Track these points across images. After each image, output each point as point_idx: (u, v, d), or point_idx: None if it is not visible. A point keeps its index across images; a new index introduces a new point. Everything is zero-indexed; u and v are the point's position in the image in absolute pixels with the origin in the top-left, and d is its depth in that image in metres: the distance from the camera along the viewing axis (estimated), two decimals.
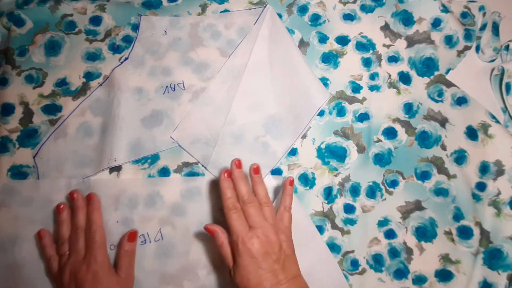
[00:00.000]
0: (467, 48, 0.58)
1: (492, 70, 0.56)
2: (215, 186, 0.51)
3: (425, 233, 0.51)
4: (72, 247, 0.46)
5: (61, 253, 0.46)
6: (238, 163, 0.44)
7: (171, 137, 0.52)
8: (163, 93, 0.53)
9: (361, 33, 0.58)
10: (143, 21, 0.57)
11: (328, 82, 0.56)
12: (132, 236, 0.48)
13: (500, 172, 0.52)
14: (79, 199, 0.48)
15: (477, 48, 0.57)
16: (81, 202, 0.48)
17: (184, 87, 0.54)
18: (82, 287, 0.43)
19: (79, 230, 0.47)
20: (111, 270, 0.45)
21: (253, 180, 0.45)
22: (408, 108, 0.55)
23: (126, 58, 0.55)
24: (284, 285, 0.40)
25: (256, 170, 0.45)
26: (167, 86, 0.53)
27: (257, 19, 0.57)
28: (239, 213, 0.42)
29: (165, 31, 0.56)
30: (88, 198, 0.49)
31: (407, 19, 0.58)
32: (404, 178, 0.53)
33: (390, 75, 0.56)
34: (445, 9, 0.58)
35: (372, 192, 0.52)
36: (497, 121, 0.54)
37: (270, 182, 0.51)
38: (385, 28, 0.58)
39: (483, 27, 0.58)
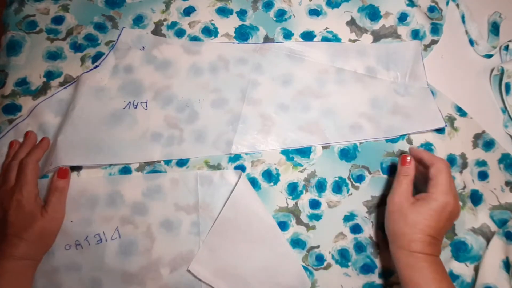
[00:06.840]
0: (434, 42, 0.58)
1: (492, 70, 0.56)
2: (176, 183, 0.50)
3: None
4: (4, 176, 0.47)
5: None
6: None
7: None
8: (123, 108, 0.52)
9: (327, 28, 0.58)
10: (124, 33, 0.56)
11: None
12: (62, 173, 0.47)
13: (464, 165, 0.52)
14: (31, 138, 0.50)
15: (471, 42, 0.58)
16: (30, 140, 0.50)
17: (146, 107, 0.53)
18: (6, 214, 0.44)
19: (15, 162, 0.47)
20: (37, 202, 0.46)
21: None
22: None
23: (97, 66, 0.54)
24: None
25: None
26: (129, 102, 0.52)
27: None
28: None
29: (143, 47, 0.55)
30: (41, 140, 0.50)
31: (373, 13, 0.58)
32: (370, 173, 0.52)
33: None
34: (412, 3, 0.59)
35: (338, 187, 0.52)
36: (462, 114, 0.54)
37: (230, 177, 0.51)
38: (351, 23, 0.58)
39: (463, 19, 0.58)
